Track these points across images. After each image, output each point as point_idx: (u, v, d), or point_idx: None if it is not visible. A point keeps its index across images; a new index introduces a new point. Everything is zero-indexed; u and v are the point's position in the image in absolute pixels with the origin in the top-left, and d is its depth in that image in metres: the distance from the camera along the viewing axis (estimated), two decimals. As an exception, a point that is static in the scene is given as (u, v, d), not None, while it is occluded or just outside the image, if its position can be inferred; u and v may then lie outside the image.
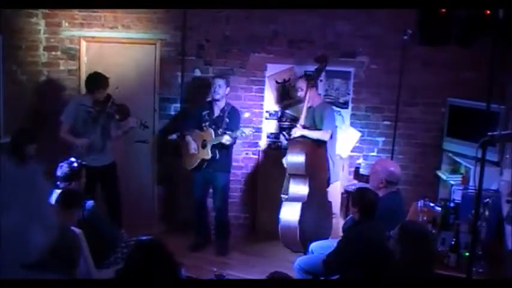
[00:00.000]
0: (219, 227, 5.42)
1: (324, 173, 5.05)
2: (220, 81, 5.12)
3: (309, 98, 5.02)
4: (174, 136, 5.52)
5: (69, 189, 3.90)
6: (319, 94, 5.34)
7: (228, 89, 5.20)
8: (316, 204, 4.90)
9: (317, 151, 4.97)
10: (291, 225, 4.75)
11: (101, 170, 5.00)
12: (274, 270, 2.99)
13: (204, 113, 5.20)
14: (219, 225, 5.41)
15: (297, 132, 4.94)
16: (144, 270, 2.37)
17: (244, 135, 5.06)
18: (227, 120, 5.11)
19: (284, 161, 5.04)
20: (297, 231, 4.71)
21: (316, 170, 4.96)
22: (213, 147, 5.05)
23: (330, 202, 5.13)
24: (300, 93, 5.12)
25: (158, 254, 2.45)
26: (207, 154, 5.07)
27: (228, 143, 5.00)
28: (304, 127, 4.97)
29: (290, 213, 4.79)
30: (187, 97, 5.67)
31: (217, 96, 5.12)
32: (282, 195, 4.99)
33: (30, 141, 4.30)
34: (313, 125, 5.04)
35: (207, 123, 5.16)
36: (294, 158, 4.88)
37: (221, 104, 5.17)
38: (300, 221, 4.72)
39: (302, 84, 5.10)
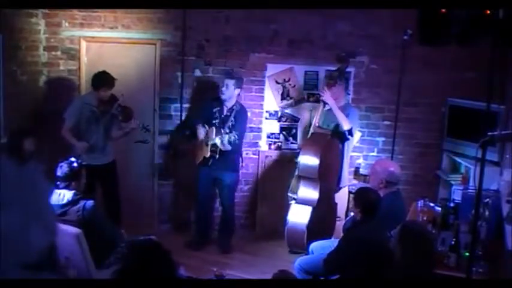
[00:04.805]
0: (223, 225, 5.42)
1: (335, 176, 4.97)
2: (228, 81, 5.10)
3: (327, 98, 4.87)
4: (187, 132, 5.49)
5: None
6: (347, 94, 5.33)
7: (238, 90, 5.16)
8: (323, 207, 4.83)
9: (332, 151, 4.86)
10: (299, 228, 4.73)
11: (101, 168, 4.99)
12: (274, 270, 2.99)
13: (214, 110, 5.18)
14: (224, 223, 5.42)
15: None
16: (139, 269, 2.35)
17: (232, 140, 4.82)
18: (233, 120, 5.08)
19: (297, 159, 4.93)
20: (304, 234, 4.69)
21: (328, 172, 4.85)
22: (213, 146, 5.02)
23: (336, 204, 5.09)
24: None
25: (153, 254, 2.42)
26: (207, 152, 5.06)
27: (219, 145, 4.89)
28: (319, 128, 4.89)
29: (299, 216, 4.76)
30: (197, 95, 5.65)
31: (224, 96, 5.11)
32: (289, 194, 4.95)
33: (26, 135, 4.24)
34: (330, 128, 4.92)
35: (215, 121, 5.12)
36: (308, 160, 4.76)
37: (230, 103, 5.15)
38: (308, 225, 4.70)
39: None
